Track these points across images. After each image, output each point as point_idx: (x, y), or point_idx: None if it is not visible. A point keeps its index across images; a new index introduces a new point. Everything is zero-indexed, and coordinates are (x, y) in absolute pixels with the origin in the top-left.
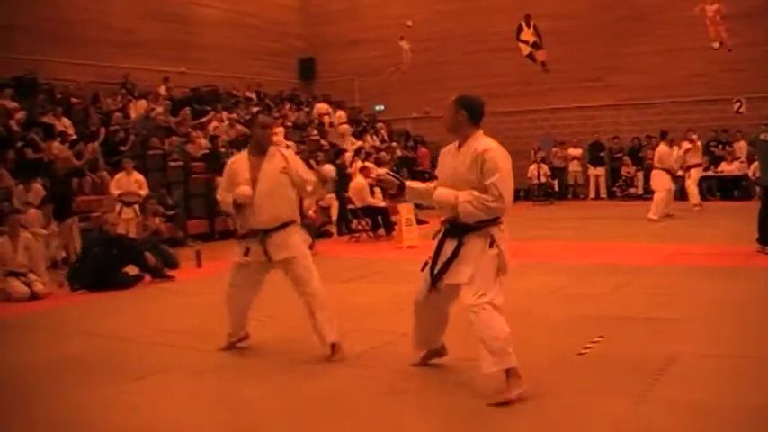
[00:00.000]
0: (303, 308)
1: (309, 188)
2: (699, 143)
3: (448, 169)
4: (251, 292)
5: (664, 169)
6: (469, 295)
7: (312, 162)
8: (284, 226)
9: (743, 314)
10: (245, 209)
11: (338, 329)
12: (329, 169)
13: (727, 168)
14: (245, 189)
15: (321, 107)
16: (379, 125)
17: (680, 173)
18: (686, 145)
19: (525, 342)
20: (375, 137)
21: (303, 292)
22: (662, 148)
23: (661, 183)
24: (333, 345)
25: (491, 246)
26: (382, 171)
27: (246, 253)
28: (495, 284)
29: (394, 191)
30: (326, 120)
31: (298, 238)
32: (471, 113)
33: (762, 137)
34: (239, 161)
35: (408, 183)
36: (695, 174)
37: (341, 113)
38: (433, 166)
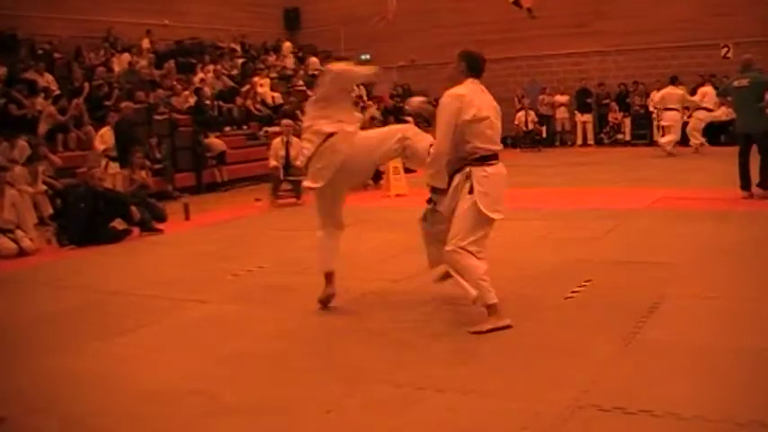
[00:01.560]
0: None
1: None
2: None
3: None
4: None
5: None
6: (450, 238)
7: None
8: None
9: (730, 257)
10: None
11: None
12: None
13: (714, 114)
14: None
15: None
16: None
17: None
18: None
19: (513, 285)
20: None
21: None
22: (670, 90)
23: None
24: None
25: (470, 191)
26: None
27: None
28: (473, 231)
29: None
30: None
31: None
32: (470, 65)
33: (735, 83)
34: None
35: None
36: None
37: (314, 60)
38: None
